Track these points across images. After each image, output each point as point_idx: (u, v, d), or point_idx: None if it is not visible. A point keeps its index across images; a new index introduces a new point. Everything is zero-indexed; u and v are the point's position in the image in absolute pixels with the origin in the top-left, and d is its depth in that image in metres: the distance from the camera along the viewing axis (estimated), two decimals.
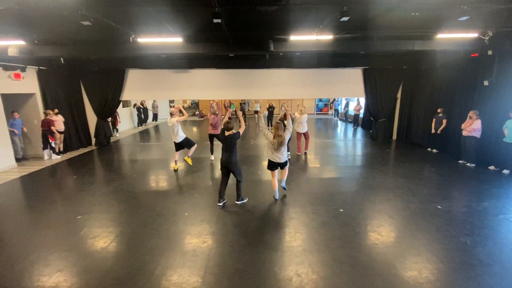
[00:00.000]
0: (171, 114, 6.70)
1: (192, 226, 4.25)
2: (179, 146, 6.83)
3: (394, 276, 3.08)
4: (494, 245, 3.63)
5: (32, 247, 3.70)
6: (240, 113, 5.32)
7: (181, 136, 6.69)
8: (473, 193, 5.43)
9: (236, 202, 4.97)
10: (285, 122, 5.45)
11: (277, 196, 5.15)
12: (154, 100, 16.29)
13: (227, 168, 4.80)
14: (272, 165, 4.96)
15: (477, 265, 3.24)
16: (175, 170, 7.01)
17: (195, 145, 7.01)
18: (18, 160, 7.81)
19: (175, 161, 7.08)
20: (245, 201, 5.03)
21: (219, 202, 4.92)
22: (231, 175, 4.93)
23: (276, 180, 5.11)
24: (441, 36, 6.34)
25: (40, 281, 3.05)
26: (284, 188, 5.48)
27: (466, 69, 7.73)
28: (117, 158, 8.71)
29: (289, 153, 8.18)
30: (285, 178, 5.33)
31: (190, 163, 7.01)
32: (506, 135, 6.25)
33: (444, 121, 8.17)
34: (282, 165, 4.98)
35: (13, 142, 7.60)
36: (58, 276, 3.13)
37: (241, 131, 4.92)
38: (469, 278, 3.03)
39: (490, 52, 6.82)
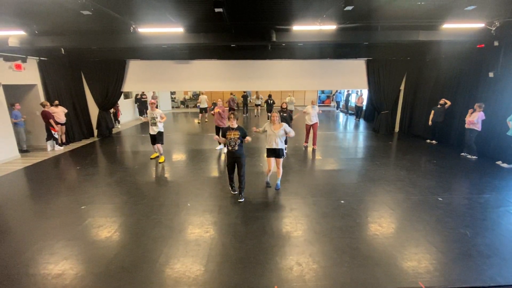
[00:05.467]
0: (152, 104, 6.83)
1: (194, 216, 4.30)
2: (154, 139, 6.97)
3: (393, 266, 3.13)
4: (494, 237, 3.66)
5: (38, 236, 3.77)
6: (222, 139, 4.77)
7: (160, 128, 6.89)
8: (474, 185, 5.44)
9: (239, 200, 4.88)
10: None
11: (267, 183, 5.36)
12: (153, 92, 16.23)
13: (236, 160, 4.68)
14: (269, 152, 5.06)
15: (476, 256, 3.27)
16: (153, 158, 7.31)
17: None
18: (23, 151, 7.91)
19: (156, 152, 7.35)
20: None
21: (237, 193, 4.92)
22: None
23: (271, 169, 5.15)
24: (447, 26, 6.22)
25: (47, 269, 3.12)
26: (277, 188, 5.28)
27: (471, 60, 7.62)
28: (119, 149, 8.75)
29: (286, 145, 8.17)
30: (279, 176, 5.26)
31: (163, 160, 7.17)
32: (510, 128, 6.18)
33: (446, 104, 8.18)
34: (277, 153, 5.02)
35: (16, 133, 7.71)
36: (64, 264, 3.20)
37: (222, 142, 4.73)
38: (468, 269, 3.06)
39: (496, 43, 6.70)
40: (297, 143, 8.92)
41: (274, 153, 5.04)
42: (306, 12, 5.59)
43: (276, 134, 4.89)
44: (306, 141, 8.57)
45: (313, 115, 8.10)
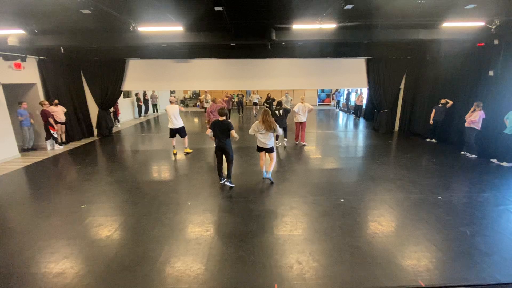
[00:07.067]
0: (171, 102, 7.43)
1: (194, 215, 4.31)
2: (175, 133, 7.43)
3: (393, 264, 3.13)
4: (494, 235, 3.67)
5: (38, 236, 3.78)
6: (233, 132, 5.15)
7: (180, 123, 7.35)
8: (474, 184, 5.44)
9: (226, 182, 5.32)
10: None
11: (264, 175, 5.58)
12: (153, 91, 16.24)
13: (222, 151, 5.17)
14: (260, 149, 5.45)
15: (476, 254, 3.28)
16: (175, 154, 7.62)
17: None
18: (26, 150, 7.95)
19: (173, 146, 7.68)
20: (233, 185, 5.31)
21: (221, 180, 5.36)
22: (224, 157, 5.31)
23: (263, 162, 5.57)
24: (447, 24, 6.20)
25: (47, 268, 3.13)
26: (270, 180, 5.54)
27: (471, 59, 7.61)
28: (119, 149, 8.75)
29: (286, 139, 8.28)
30: (270, 169, 5.52)
31: (190, 150, 7.78)
32: (507, 126, 6.21)
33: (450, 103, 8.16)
34: (268, 150, 5.40)
35: (21, 132, 7.80)
36: (64, 263, 3.21)
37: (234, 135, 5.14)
38: (468, 267, 3.07)
39: (496, 42, 6.70)
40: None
41: (266, 149, 5.40)
42: (306, 11, 5.57)
43: (266, 135, 5.22)
44: (297, 139, 8.72)
45: (301, 114, 8.23)
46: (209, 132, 5.19)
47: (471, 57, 7.62)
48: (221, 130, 5.04)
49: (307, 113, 8.32)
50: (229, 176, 5.32)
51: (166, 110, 7.36)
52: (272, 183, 5.51)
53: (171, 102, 7.40)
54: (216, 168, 5.50)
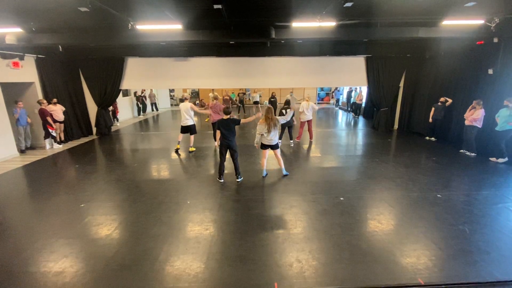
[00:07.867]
0: (185, 99, 7.69)
1: (194, 214, 4.31)
2: (186, 129, 7.57)
3: (393, 262, 3.14)
4: (493, 233, 3.68)
5: (37, 235, 3.77)
6: (242, 121, 5.52)
7: (190, 121, 7.52)
8: (473, 182, 5.45)
9: (237, 180, 5.51)
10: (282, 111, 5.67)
11: (264, 174, 5.75)
12: (151, 90, 16.16)
13: (228, 148, 5.29)
14: (264, 146, 5.53)
15: (475, 252, 3.29)
16: (177, 150, 7.74)
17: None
18: (22, 151, 7.87)
19: (179, 142, 7.79)
20: (241, 178, 5.59)
21: (220, 179, 5.50)
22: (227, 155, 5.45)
23: (265, 160, 5.67)
24: (446, 22, 6.20)
25: (47, 267, 3.12)
26: (286, 174, 5.79)
27: (471, 57, 7.61)
28: (118, 147, 8.73)
29: (292, 141, 8.32)
30: (282, 166, 5.74)
31: (194, 149, 7.85)
32: (498, 123, 6.25)
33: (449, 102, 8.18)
34: (273, 147, 5.52)
35: (18, 132, 7.72)
36: (64, 262, 3.20)
37: (245, 121, 5.53)
38: (467, 265, 3.08)
39: (495, 40, 6.69)
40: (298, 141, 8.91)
41: (271, 146, 5.49)
42: (305, 9, 5.55)
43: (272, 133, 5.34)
44: (299, 138, 8.75)
45: (307, 112, 8.29)
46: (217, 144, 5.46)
47: (470, 55, 7.61)
48: (226, 128, 5.17)
49: (311, 111, 8.37)
50: (237, 172, 5.52)
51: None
52: (287, 175, 5.77)
53: (185, 99, 7.66)
54: (218, 166, 5.54)
